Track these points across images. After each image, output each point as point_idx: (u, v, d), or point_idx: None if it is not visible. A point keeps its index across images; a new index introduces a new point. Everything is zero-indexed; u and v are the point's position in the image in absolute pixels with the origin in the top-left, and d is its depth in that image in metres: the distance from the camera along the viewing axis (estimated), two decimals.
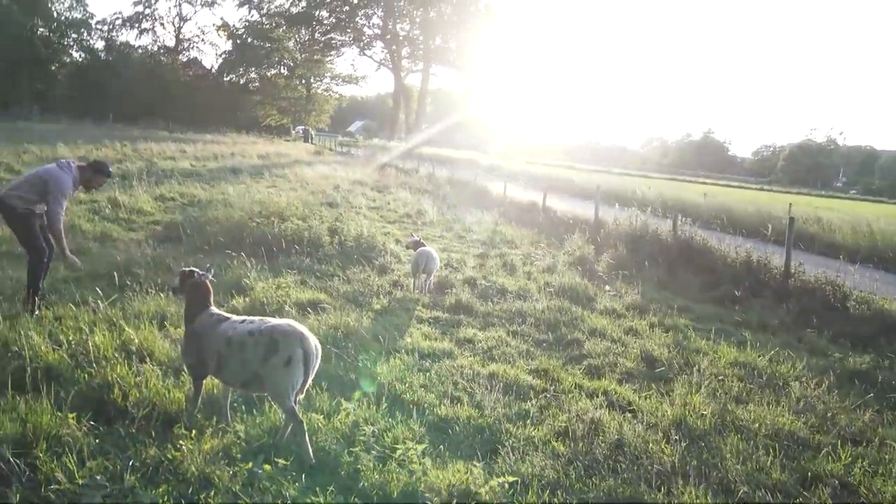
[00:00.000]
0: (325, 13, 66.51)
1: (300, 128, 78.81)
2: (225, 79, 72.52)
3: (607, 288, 10.86)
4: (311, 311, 7.73)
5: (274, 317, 5.16)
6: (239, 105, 68.22)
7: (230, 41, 68.90)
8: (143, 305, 7.04)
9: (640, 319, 8.99)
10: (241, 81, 71.15)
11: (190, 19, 73.34)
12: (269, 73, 68.55)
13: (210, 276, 5.04)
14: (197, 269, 5.09)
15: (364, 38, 66.95)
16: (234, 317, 4.77)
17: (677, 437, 5.21)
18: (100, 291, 7.29)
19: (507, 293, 10.06)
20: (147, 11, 69.29)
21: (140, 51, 69.95)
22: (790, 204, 25.03)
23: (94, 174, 7.22)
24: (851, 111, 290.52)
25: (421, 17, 63.72)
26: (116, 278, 7.88)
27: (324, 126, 74.47)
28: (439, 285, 10.11)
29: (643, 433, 5.25)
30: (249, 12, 68.30)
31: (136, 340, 5.81)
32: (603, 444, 5.03)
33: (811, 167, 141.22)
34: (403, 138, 68.52)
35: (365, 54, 67.77)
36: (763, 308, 10.30)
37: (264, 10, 67.89)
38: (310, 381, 4.59)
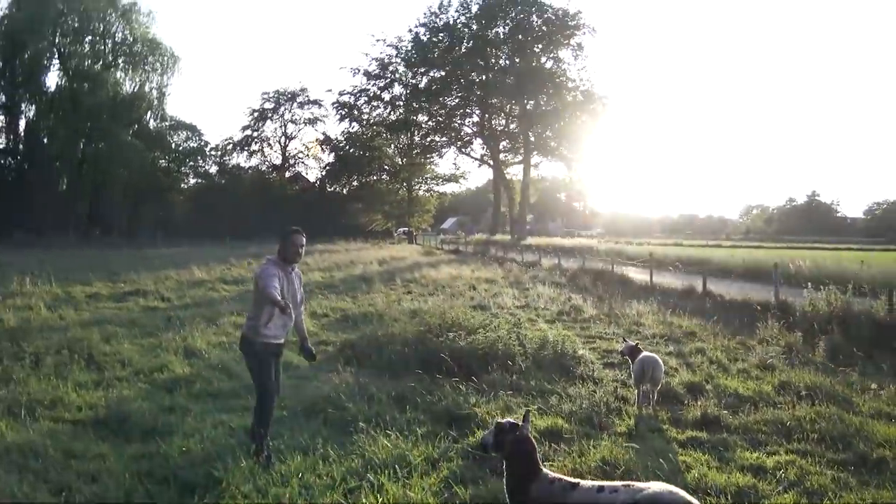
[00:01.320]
0: (423, 117, 68.28)
1: (402, 229, 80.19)
2: (329, 189, 75.15)
3: (854, 383, 9.41)
4: (556, 442, 6.77)
5: None
6: (343, 212, 70.06)
7: (332, 153, 71.74)
8: (383, 450, 6.22)
9: None
10: (344, 190, 73.41)
11: (295, 137, 76.69)
12: (370, 180, 70.45)
13: (529, 428, 4.11)
14: (513, 420, 4.14)
15: (463, 136, 68.17)
16: (584, 482, 3.85)
17: None
18: (323, 432, 6.63)
19: (743, 398, 8.82)
20: (255, 135, 73.11)
21: (250, 171, 73.50)
22: None
23: (283, 243, 6.53)
24: None
25: (519, 111, 64.32)
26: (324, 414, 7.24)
27: (426, 226, 75.43)
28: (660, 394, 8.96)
29: None
30: (350, 124, 70.99)
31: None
32: None
33: None
34: (506, 231, 68.38)
35: (463, 152, 68.95)
36: None
37: (364, 122, 70.39)
38: None
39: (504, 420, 4.23)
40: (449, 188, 72.60)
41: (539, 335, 11.75)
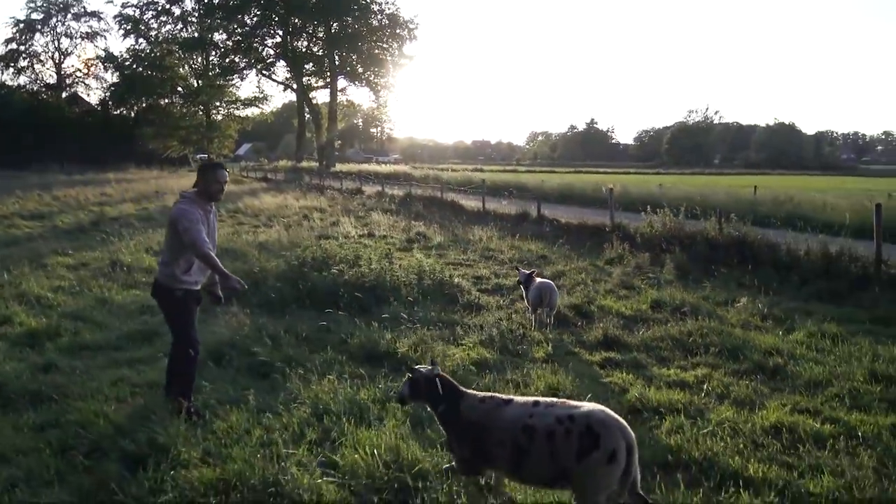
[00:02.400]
0: (221, 36, 63.35)
1: (199, 156, 75.22)
2: (114, 112, 68.23)
3: (709, 297, 10.32)
4: (488, 371, 6.76)
5: None
6: (132, 138, 64.20)
7: (117, 73, 64.70)
8: (326, 396, 5.82)
9: (795, 332, 8.44)
10: (132, 114, 67.03)
11: (71, 53, 68.27)
12: (162, 103, 64.80)
13: (439, 370, 4.39)
14: (420, 368, 4.42)
15: (265, 58, 64.23)
16: (518, 398, 4.08)
17: None
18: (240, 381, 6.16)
19: (626, 316, 9.37)
20: (22, 49, 64.22)
21: (23, 91, 64.73)
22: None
23: (205, 178, 5.71)
24: (723, 90, 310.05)
25: (324, 33, 61.61)
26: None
27: (228, 152, 71.30)
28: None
29: None
30: (137, 41, 64.23)
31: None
32: None
33: (692, 147, 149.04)
34: (312, 157, 66.52)
35: (264, 75, 65.11)
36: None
37: (153, 39, 63.92)
38: (638, 473, 3.78)
39: (415, 372, 4.39)
40: (252, 113, 68.52)
41: (415, 264, 11.60)
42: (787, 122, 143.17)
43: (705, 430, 5.28)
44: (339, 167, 56.43)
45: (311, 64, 63.91)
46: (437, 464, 4.58)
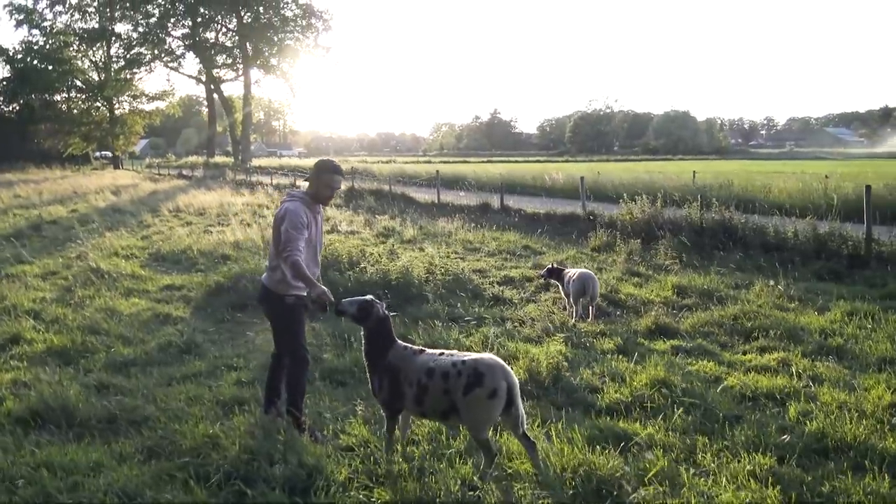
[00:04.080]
0: (125, 27, 60.03)
1: (100, 153, 71.31)
2: (5, 108, 63.57)
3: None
4: (569, 369, 6.65)
5: None
6: (31, 135, 60.08)
7: (7, 66, 60.24)
8: None
9: (830, 312, 8.72)
10: (28, 110, 62.56)
11: None
12: (60, 98, 60.91)
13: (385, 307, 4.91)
14: (371, 299, 4.84)
15: (172, 50, 61.29)
16: (430, 349, 4.77)
17: None
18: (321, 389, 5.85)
19: (655, 303, 9.44)
20: None
21: None
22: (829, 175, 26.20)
23: (317, 181, 5.26)
24: (617, 80, 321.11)
25: (236, 23, 59.24)
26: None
27: (133, 149, 67.83)
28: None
29: None
30: (30, 32, 59.92)
31: None
32: None
33: (595, 135, 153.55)
34: (223, 153, 64.31)
35: (170, 66, 62.13)
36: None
37: (48, 30, 59.78)
38: (523, 413, 4.49)
39: (369, 298, 4.85)
40: (159, 107, 65.08)
41: (424, 260, 11.34)
42: (681, 110, 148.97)
43: (832, 415, 5.33)
44: (257, 162, 54.78)
45: (223, 56, 61.55)
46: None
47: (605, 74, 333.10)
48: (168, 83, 67.28)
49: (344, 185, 28.87)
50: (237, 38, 59.89)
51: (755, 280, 10.45)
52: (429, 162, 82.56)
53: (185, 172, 50.94)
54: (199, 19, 59.72)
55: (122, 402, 5.86)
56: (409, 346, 4.83)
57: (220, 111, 67.28)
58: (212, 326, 8.72)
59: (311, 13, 60.43)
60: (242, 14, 58.25)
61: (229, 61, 62.11)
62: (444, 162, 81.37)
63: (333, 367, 6.75)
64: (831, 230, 11.86)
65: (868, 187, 12.05)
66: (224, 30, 61.60)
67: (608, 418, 5.47)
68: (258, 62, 59.84)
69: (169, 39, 61.15)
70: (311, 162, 51.42)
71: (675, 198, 15.40)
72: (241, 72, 61.24)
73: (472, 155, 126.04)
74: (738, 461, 4.60)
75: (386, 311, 4.85)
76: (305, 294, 5.26)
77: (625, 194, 16.09)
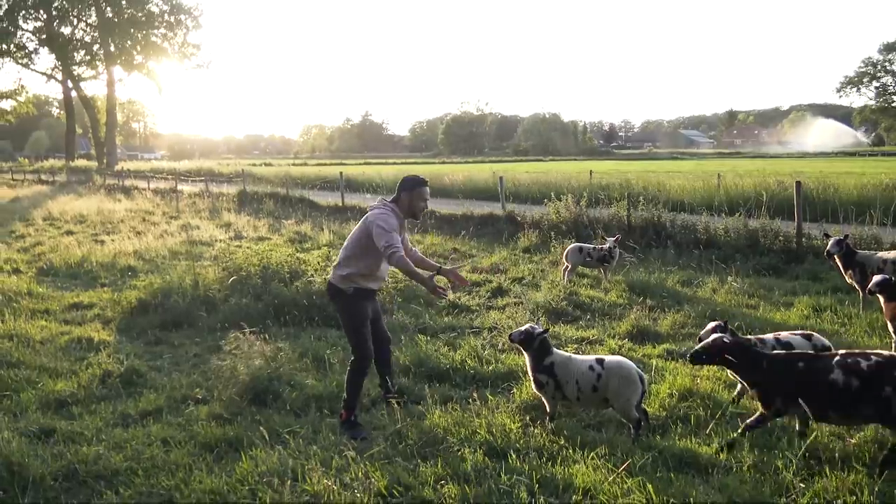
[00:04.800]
0: None
1: None
2: None
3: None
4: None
5: None
6: None
7: None
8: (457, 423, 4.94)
9: (794, 308, 8.80)
10: None
11: None
12: None
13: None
14: (532, 328, 5.30)
15: (23, 45, 55.98)
16: (577, 356, 5.33)
17: None
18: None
19: (616, 304, 9.22)
20: None
21: None
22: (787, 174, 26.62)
23: (410, 195, 5.44)
24: (490, 84, 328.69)
25: (97, 18, 54.90)
26: None
27: None
28: (551, 313, 8.84)
29: None
30: None
31: None
32: None
33: (466, 136, 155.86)
34: (81, 156, 59.63)
35: (20, 62, 56.76)
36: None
37: None
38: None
39: (529, 327, 5.34)
40: (9, 106, 59.40)
41: None
42: (550, 113, 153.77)
43: None
44: (124, 165, 51.14)
45: (82, 52, 57.04)
46: None
47: (474, 78, 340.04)
48: (18, 81, 60.66)
49: (234, 189, 27.52)
50: (97, 33, 55.64)
51: (699, 277, 10.49)
52: (304, 164, 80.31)
53: (44, 177, 46.78)
54: (54, 12, 55.04)
55: (79, 451, 4.85)
56: (561, 353, 5.38)
57: (77, 111, 62.48)
58: (145, 351, 7.67)
59: (180, 9, 57.23)
60: (104, 8, 54.21)
61: (88, 58, 57.65)
62: (320, 164, 79.37)
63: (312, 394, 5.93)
64: (763, 226, 12.13)
65: (798, 183, 12.43)
66: (83, 25, 57.16)
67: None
68: (121, 60, 55.89)
69: (20, 33, 55.93)
70: (180, 165, 49.07)
71: (601, 196, 15.40)
72: (102, 69, 57.06)
73: (346, 157, 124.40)
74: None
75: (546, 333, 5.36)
76: (370, 287, 5.50)
77: (553, 194, 15.76)
